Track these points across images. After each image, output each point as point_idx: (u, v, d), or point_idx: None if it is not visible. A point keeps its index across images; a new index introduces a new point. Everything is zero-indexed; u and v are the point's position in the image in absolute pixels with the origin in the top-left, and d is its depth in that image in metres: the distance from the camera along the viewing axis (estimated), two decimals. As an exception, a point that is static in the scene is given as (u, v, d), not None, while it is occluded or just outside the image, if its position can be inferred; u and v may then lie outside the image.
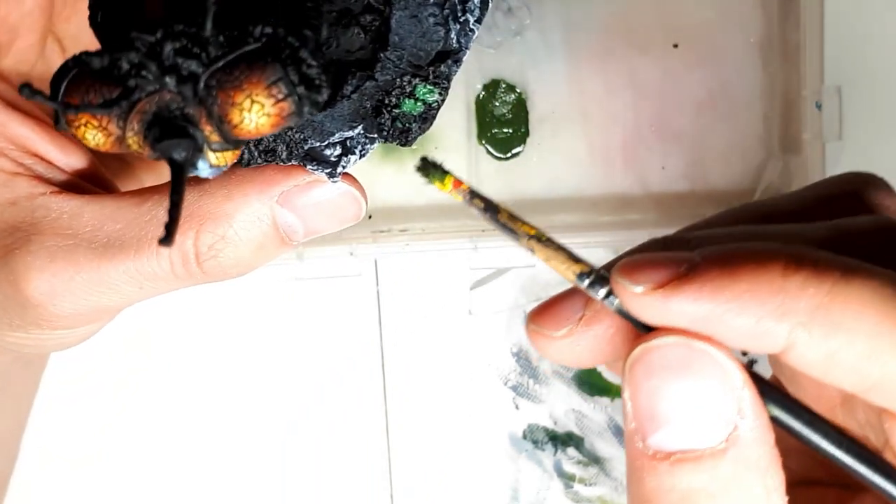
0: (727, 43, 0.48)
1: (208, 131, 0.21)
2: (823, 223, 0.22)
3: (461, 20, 0.26)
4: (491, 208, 0.23)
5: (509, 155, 0.49)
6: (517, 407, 0.52)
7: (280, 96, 0.21)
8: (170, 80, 0.21)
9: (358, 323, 0.53)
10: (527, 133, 0.49)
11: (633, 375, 0.20)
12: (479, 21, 0.26)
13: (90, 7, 0.24)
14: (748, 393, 0.19)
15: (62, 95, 0.22)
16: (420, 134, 0.27)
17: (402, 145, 0.27)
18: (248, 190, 0.26)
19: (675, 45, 0.48)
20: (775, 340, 0.19)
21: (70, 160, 0.28)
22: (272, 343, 0.53)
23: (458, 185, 0.23)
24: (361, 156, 0.27)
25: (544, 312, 0.22)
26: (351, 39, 0.26)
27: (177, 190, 0.20)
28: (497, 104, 0.48)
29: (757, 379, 0.20)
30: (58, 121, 0.22)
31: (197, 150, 0.21)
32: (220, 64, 0.20)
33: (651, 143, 0.49)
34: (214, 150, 0.22)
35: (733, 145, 0.49)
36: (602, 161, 0.49)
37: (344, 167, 0.27)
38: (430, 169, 0.24)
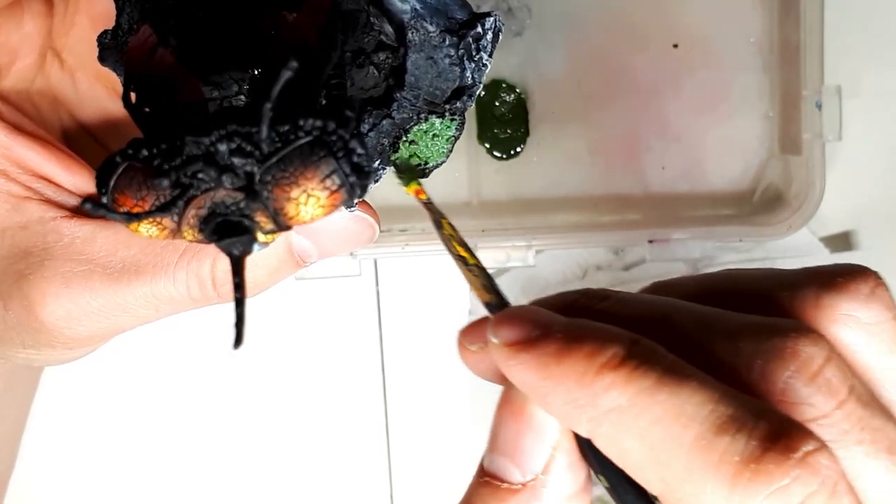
0: (727, 43, 0.48)
1: (262, 221, 0.21)
2: (748, 317, 0.21)
3: (476, 58, 0.26)
4: (437, 222, 0.25)
5: (509, 155, 0.49)
6: (517, 407, 0.52)
7: (334, 188, 0.21)
8: (226, 179, 0.21)
9: (358, 323, 0.53)
10: (527, 133, 0.49)
11: (499, 400, 0.22)
12: (491, 55, 0.26)
13: (124, 86, 0.24)
14: (561, 457, 0.21)
15: (112, 191, 0.22)
16: (437, 167, 0.27)
17: (419, 177, 0.27)
18: None
19: (675, 45, 0.48)
20: (580, 427, 0.19)
21: (77, 181, 0.27)
22: (272, 343, 0.53)
23: (418, 193, 0.26)
24: (376, 181, 0.27)
25: (470, 327, 0.23)
26: (366, 78, 0.26)
27: (239, 285, 0.20)
28: (497, 104, 0.48)
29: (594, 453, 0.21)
30: (107, 207, 0.22)
31: (253, 241, 0.21)
32: (274, 160, 0.21)
33: (651, 143, 0.49)
34: (266, 233, 0.22)
35: (733, 145, 0.49)
36: (602, 161, 0.49)
37: (360, 197, 0.27)
38: (404, 171, 0.26)
